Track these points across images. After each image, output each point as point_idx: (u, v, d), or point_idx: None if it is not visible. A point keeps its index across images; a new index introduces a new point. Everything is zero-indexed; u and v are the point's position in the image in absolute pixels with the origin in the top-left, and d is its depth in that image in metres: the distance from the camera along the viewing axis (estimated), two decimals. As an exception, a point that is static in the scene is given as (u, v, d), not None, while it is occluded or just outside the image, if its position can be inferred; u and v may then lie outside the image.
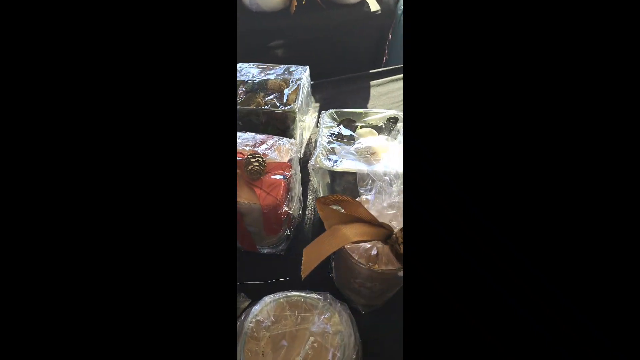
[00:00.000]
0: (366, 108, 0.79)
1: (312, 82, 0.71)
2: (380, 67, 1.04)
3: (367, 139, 0.54)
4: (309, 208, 0.61)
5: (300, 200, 0.55)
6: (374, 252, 0.41)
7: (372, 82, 0.86)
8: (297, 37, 1.02)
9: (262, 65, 0.67)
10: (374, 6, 1.08)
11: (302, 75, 0.64)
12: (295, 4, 0.99)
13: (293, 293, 0.39)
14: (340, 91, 0.83)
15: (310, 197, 0.62)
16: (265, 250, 0.53)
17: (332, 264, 0.49)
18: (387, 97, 0.82)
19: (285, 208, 0.47)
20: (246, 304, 0.49)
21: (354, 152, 0.52)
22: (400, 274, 0.40)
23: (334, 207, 0.42)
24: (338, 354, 0.35)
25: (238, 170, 0.48)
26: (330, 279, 0.50)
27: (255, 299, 0.50)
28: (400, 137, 0.53)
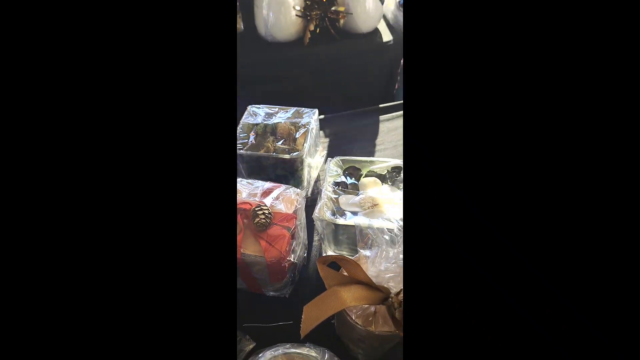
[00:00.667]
0: (374, 144, 0.81)
1: (321, 117, 0.74)
2: (392, 98, 1.06)
3: (371, 189, 0.56)
4: (315, 249, 0.63)
5: (305, 245, 0.58)
6: (372, 309, 0.43)
7: (382, 117, 0.88)
8: (310, 67, 1.05)
9: (273, 107, 0.70)
10: (386, 36, 1.10)
11: (311, 119, 0.66)
12: (309, 35, 1.02)
13: (292, 350, 0.41)
14: (350, 126, 0.85)
15: (315, 237, 0.64)
16: (271, 293, 0.56)
17: (333, 312, 0.51)
18: (395, 133, 0.84)
19: (290, 259, 0.49)
20: (250, 346, 0.52)
21: (357, 203, 0.54)
22: (399, 334, 0.42)
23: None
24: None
25: (245, 220, 0.51)
26: (332, 325, 0.52)
27: (259, 341, 0.53)
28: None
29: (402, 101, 0.92)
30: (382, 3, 1.11)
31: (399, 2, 1.18)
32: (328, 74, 1.07)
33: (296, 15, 1.01)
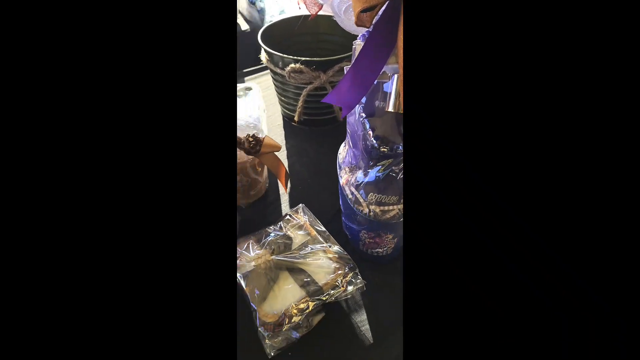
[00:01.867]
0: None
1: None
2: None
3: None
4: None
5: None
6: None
7: (247, 78, 1.14)
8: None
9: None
10: (244, 26, 1.39)
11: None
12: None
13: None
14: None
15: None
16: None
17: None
18: (255, 82, 1.11)
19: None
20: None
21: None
22: (253, 160, 0.66)
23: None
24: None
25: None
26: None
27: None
28: (250, 95, 0.81)
29: (262, 65, 1.19)
30: (236, 2, 1.40)
31: (250, 1, 1.49)
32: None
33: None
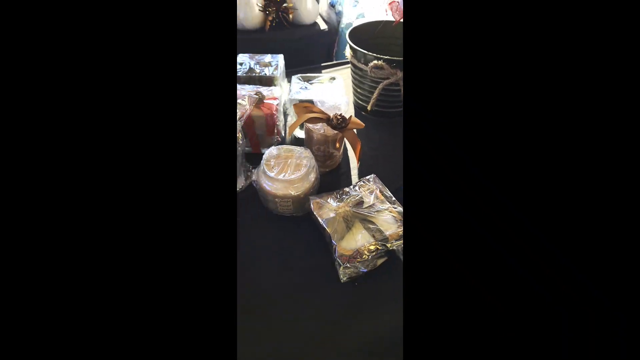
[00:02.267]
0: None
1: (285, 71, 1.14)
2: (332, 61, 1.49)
3: (319, 86, 0.97)
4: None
5: (283, 123, 0.96)
6: (322, 129, 0.82)
7: (324, 71, 1.30)
8: (270, 47, 1.46)
9: (251, 55, 1.09)
10: (323, 26, 1.55)
11: (279, 57, 1.06)
12: (269, 24, 1.43)
13: (286, 146, 0.79)
14: (303, 76, 1.26)
15: (289, 119, 1.03)
16: (264, 150, 0.93)
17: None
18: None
19: (277, 115, 0.88)
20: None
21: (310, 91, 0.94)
22: (335, 136, 0.81)
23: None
24: (307, 163, 0.76)
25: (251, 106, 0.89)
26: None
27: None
28: (334, 83, 0.96)
29: (337, 60, 1.35)
30: (318, 3, 1.56)
31: (330, 3, 1.65)
32: (284, 50, 1.48)
33: (259, 10, 1.43)
